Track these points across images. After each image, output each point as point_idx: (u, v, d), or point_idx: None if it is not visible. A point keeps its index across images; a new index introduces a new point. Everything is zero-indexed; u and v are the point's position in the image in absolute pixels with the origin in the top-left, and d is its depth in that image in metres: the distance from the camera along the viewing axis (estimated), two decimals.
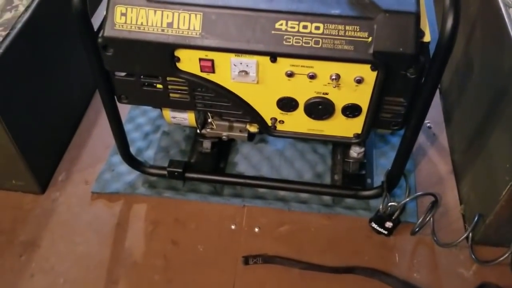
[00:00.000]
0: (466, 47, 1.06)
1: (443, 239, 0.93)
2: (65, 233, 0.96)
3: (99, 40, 0.76)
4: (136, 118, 1.15)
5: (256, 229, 0.97)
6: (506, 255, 0.86)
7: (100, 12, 0.77)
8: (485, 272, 0.90)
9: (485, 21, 0.97)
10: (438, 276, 0.90)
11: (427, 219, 0.91)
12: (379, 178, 1.01)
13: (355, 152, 1.00)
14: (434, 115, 1.17)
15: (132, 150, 1.06)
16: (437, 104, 1.19)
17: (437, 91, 1.21)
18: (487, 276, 0.90)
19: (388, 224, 0.93)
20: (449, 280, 0.90)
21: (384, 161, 1.06)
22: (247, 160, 1.08)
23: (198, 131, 1.00)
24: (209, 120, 0.98)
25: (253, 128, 0.96)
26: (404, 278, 0.89)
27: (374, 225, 0.94)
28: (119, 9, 0.74)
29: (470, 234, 0.90)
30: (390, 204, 0.92)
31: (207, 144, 1.06)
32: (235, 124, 0.99)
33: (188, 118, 0.96)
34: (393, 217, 0.92)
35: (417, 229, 0.92)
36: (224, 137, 1.01)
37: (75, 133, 1.13)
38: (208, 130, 1.00)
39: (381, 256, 0.93)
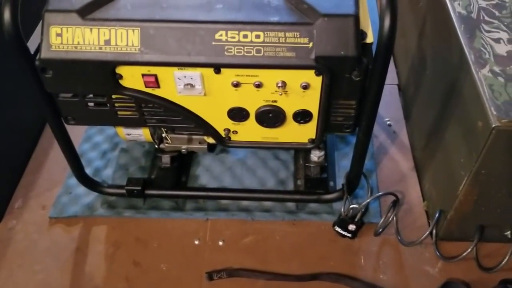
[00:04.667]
0: (419, 42, 1.06)
1: (409, 236, 0.92)
2: (24, 262, 0.93)
3: (37, 62, 0.73)
4: (93, 136, 1.13)
5: (220, 243, 0.95)
6: (469, 249, 0.86)
7: (38, 34, 0.74)
8: (451, 268, 0.90)
9: (433, 15, 0.97)
10: (405, 275, 0.90)
11: (389, 219, 0.90)
12: (342, 180, 1.00)
13: (315, 156, 0.99)
14: (394, 113, 1.16)
15: (90, 170, 1.04)
16: (396, 101, 1.19)
17: (396, 88, 1.21)
18: (453, 272, 0.89)
19: (351, 227, 0.92)
20: (415, 279, 0.89)
21: (346, 163, 1.04)
22: (209, 172, 1.06)
23: (156, 146, 0.98)
24: (163, 135, 0.95)
25: (212, 139, 0.94)
26: (370, 280, 0.88)
27: (337, 228, 0.93)
28: (54, 30, 0.72)
29: (434, 231, 0.90)
30: (351, 206, 0.91)
31: (166, 159, 1.03)
32: (194, 136, 0.97)
33: (143, 134, 0.94)
34: (356, 219, 0.91)
35: (380, 230, 0.91)
36: (183, 150, 0.99)
37: (31, 157, 1.10)
38: (166, 144, 0.98)
39: (346, 259, 0.92)
